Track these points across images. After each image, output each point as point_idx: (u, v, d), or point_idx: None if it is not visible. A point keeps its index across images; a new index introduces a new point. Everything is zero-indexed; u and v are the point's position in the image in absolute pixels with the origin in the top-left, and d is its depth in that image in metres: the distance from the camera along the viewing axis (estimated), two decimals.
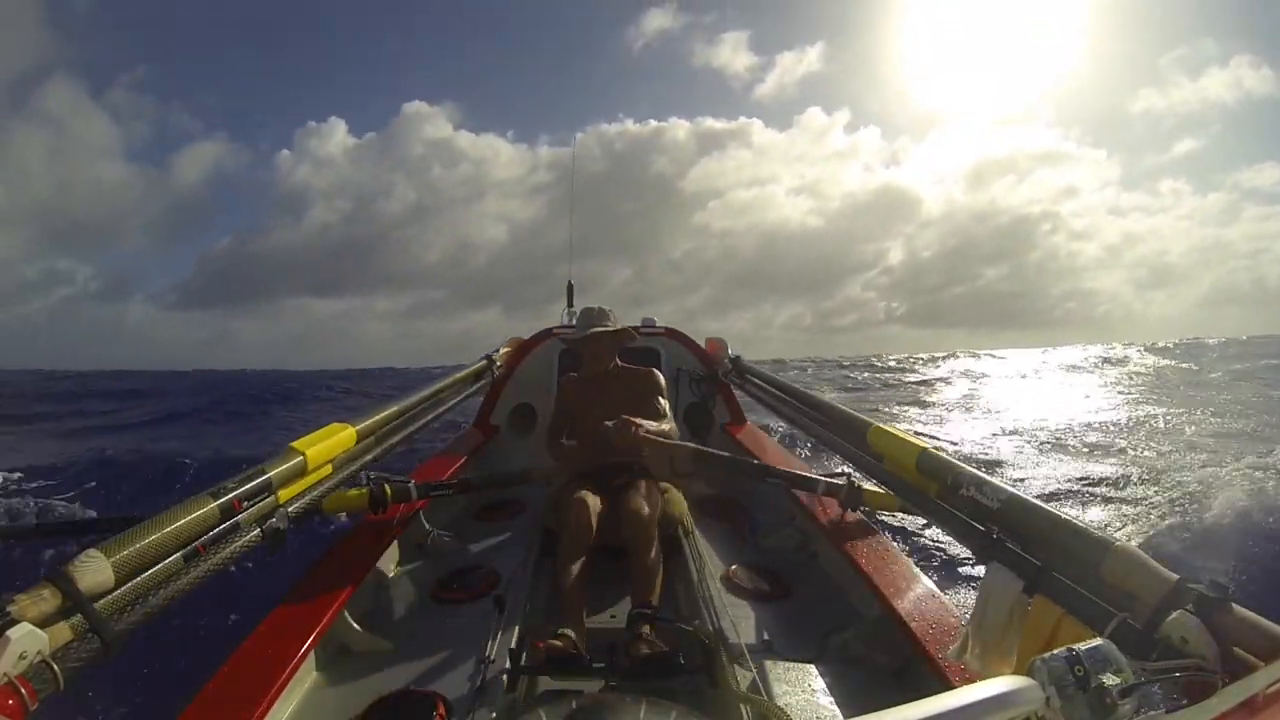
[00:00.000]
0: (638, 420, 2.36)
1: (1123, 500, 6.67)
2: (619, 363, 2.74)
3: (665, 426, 2.52)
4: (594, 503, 2.27)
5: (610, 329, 2.65)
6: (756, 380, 3.55)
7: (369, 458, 2.34)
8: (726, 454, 2.97)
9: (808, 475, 2.47)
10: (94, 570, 1.11)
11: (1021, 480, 7.71)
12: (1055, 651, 0.66)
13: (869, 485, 2.32)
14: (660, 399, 2.67)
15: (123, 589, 1.17)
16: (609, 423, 2.35)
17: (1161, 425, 11.81)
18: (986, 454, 9.75)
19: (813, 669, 1.69)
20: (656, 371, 2.73)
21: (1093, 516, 6.24)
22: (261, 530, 1.61)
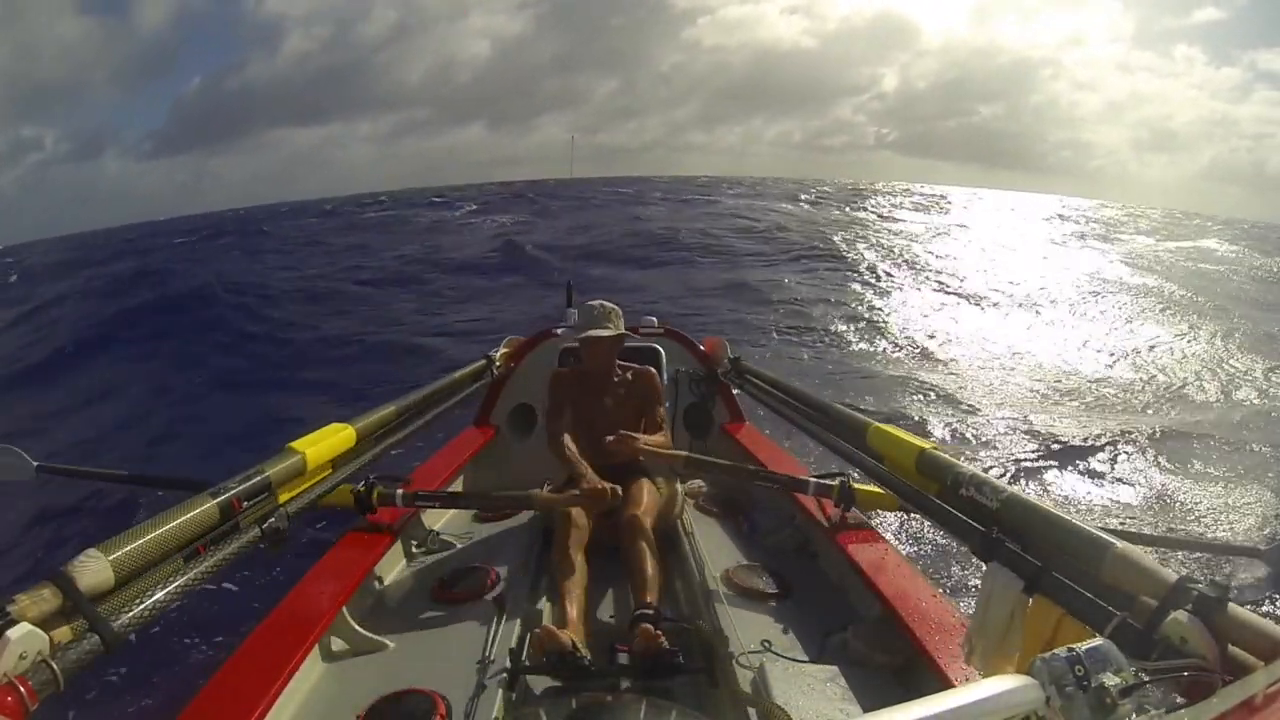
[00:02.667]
0: (634, 435, 2.40)
1: None
2: (618, 362, 2.73)
3: (659, 438, 2.55)
4: (605, 444, 2.28)
5: (610, 333, 2.59)
6: (756, 380, 3.55)
7: (368, 457, 2.34)
8: (719, 461, 2.99)
9: (799, 477, 2.47)
10: (94, 570, 1.11)
11: None
12: (1055, 651, 0.66)
13: (863, 485, 2.33)
14: (658, 406, 2.67)
15: (123, 589, 1.17)
16: (609, 438, 2.38)
17: None
18: None
19: (813, 669, 1.70)
20: (655, 374, 2.73)
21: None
22: (261, 530, 1.61)
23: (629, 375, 2.71)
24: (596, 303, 2.66)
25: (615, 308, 2.67)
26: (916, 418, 7.24)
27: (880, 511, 2.51)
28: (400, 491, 2.31)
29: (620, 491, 2.27)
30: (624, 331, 2.67)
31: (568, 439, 2.53)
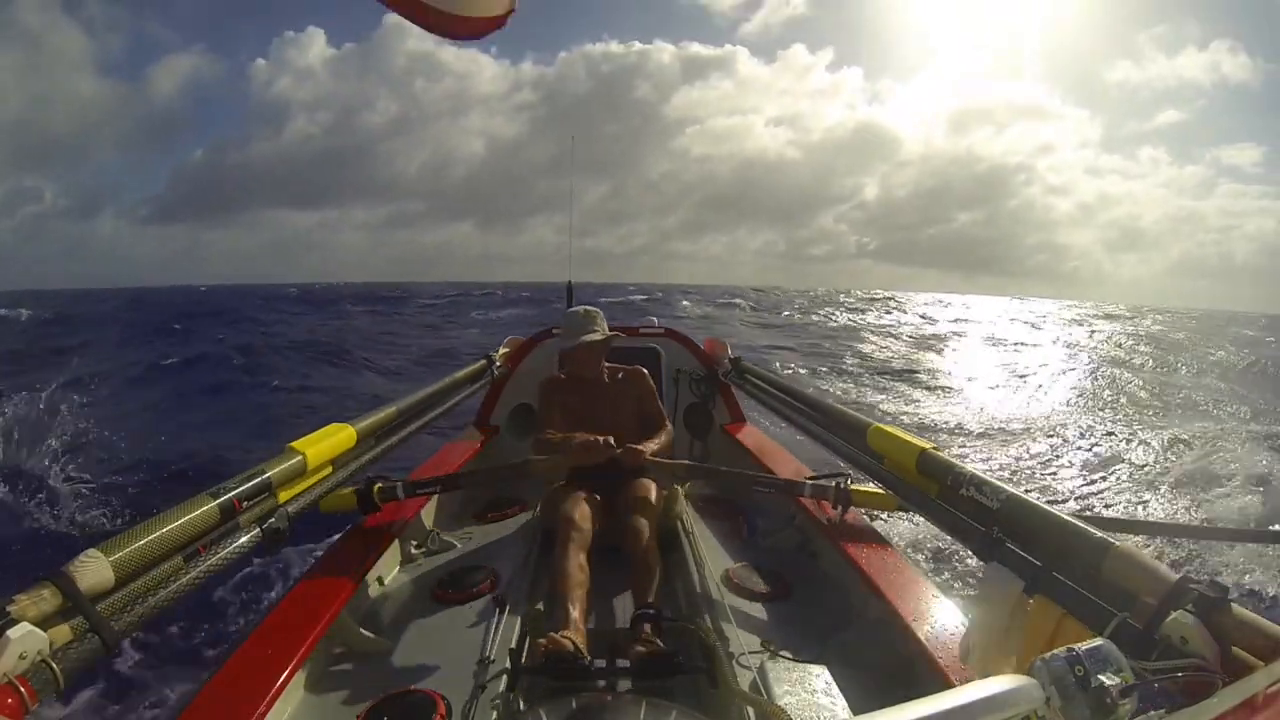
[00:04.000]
0: (640, 447, 2.41)
1: None
2: (606, 364, 2.74)
3: (664, 439, 2.57)
4: (594, 502, 2.27)
5: (599, 337, 2.63)
6: (756, 380, 3.55)
7: (369, 458, 2.34)
8: (721, 469, 3.00)
9: (802, 480, 2.47)
10: (94, 570, 1.12)
11: None
12: (1055, 651, 0.66)
13: (861, 486, 2.33)
14: (655, 401, 2.69)
15: (123, 589, 1.17)
16: (619, 450, 2.38)
17: None
18: None
19: (813, 669, 1.69)
20: (644, 371, 2.74)
21: None
22: (261, 530, 1.61)
23: (620, 376, 2.73)
24: (580, 309, 2.71)
25: (598, 311, 2.72)
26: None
27: (880, 511, 2.51)
28: (401, 483, 2.32)
29: (614, 441, 2.33)
30: (612, 333, 2.71)
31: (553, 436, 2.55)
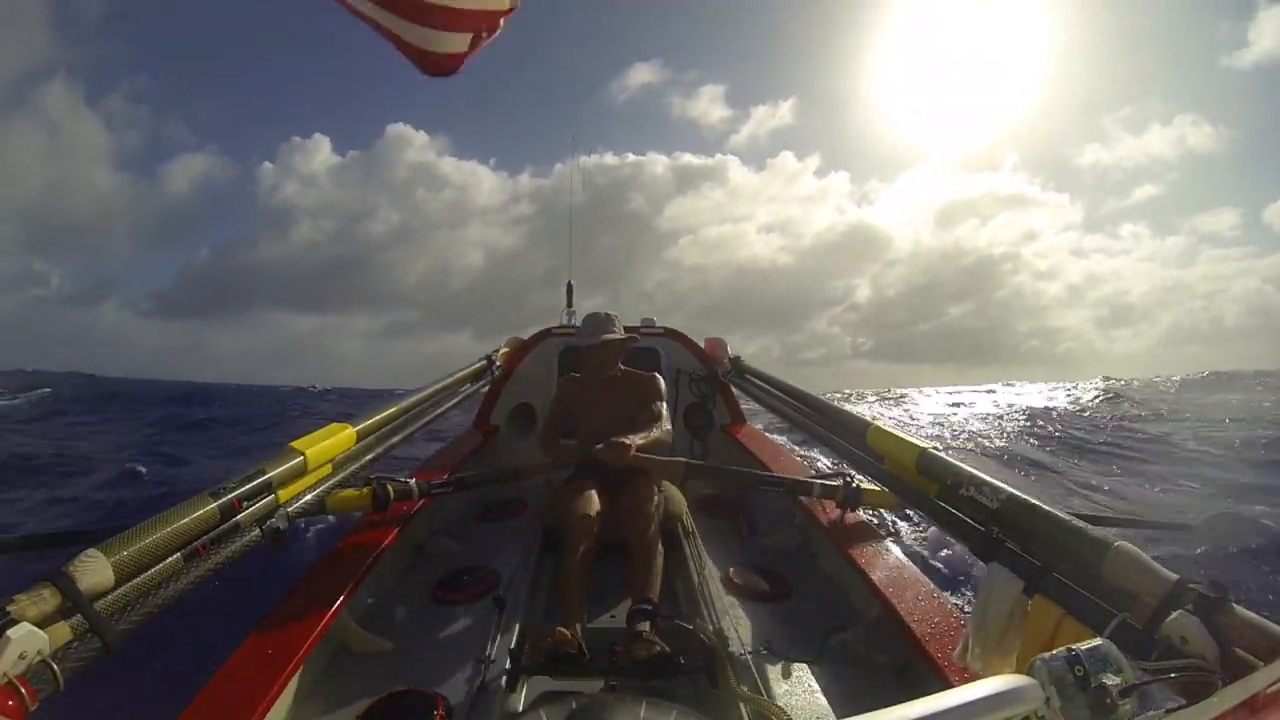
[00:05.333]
0: (626, 440, 2.34)
1: None
2: (621, 366, 2.75)
3: (657, 433, 2.52)
4: (594, 502, 2.26)
5: (618, 337, 2.65)
6: (756, 380, 3.55)
7: (369, 458, 2.34)
8: (718, 466, 2.99)
9: (802, 479, 2.47)
10: (94, 570, 1.11)
11: None
12: (1055, 651, 0.66)
13: (867, 486, 2.32)
14: (659, 404, 2.67)
15: (123, 589, 1.17)
16: (599, 446, 2.33)
17: None
18: None
19: (813, 669, 1.69)
20: (658, 377, 2.73)
21: None
22: (261, 530, 1.61)
23: (633, 380, 2.73)
24: (600, 312, 2.72)
25: (615, 314, 2.73)
26: None
27: (880, 511, 2.51)
28: (414, 483, 2.33)
29: (618, 441, 2.32)
30: (630, 335, 2.72)
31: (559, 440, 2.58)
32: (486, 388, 3.82)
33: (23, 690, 0.92)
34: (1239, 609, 0.88)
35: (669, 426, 2.63)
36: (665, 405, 2.69)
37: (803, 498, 2.49)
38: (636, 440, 2.38)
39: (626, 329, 2.76)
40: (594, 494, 2.31)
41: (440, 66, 2.40)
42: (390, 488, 2.26)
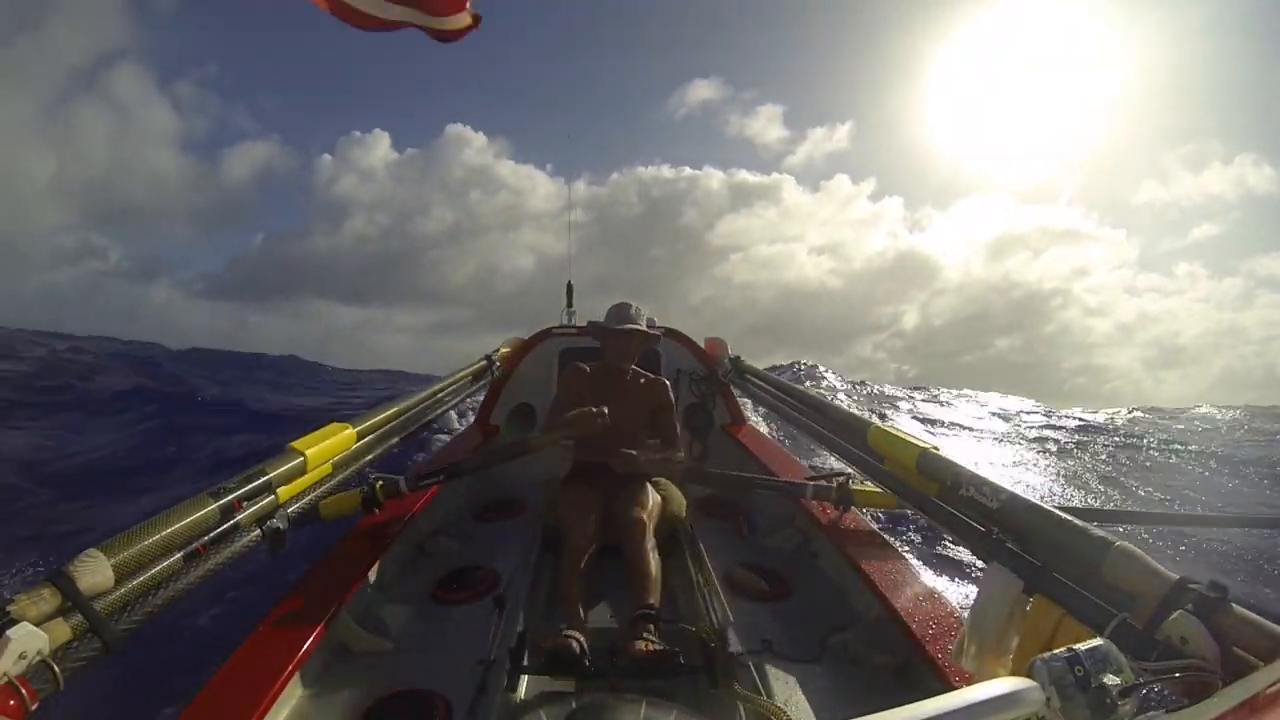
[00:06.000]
0: (634, 454, 2.42)
1: None
2: (633, 367, 2.71)
3: (669, 455, 2.55)
4: (594, 503, 2.26)
5: (643, 330, 2.61)
6: (756, 380, 3.55)
7: (369, 458, 2.34)
8: (720, 472, 3.00)
9: (796, 481, 2.47)
10: (94, 570, 1.11)
11: None
12: (1055, 652, 0.66)
13: (861, 486, 2.32)
14: (671, 418, 2.67)
15: (123, 589, 1.17)
16: (607, 416, 2.36)
17: None
18: None
19: (813, 669, 1.69)
20: (668, 384, 2.71)
21: None
22: (261, 530, 1.61)
23: (642, 380, 2.70)
24: (630, 304, 2.67)
25: (645, 309, 2.68)
26: None
27: (880, 511, 2.51)
28: (403, 478, 2.32)
29: (607, 412, 2.32)
30: (654, 331, 2.69)
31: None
32: (487, 388, 3.82)
33: (23, 690, 0.92)
34: (1239, 609, 0.88)
35: (682, 455, 2.64)
36: (676, 422, 2.69)
37: (803, 499, 2.49)
38: (643, 454, 2.45)
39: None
40: (594, 495, 2.31)
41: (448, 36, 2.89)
42: (392, 482, 2.27)
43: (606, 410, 2.33)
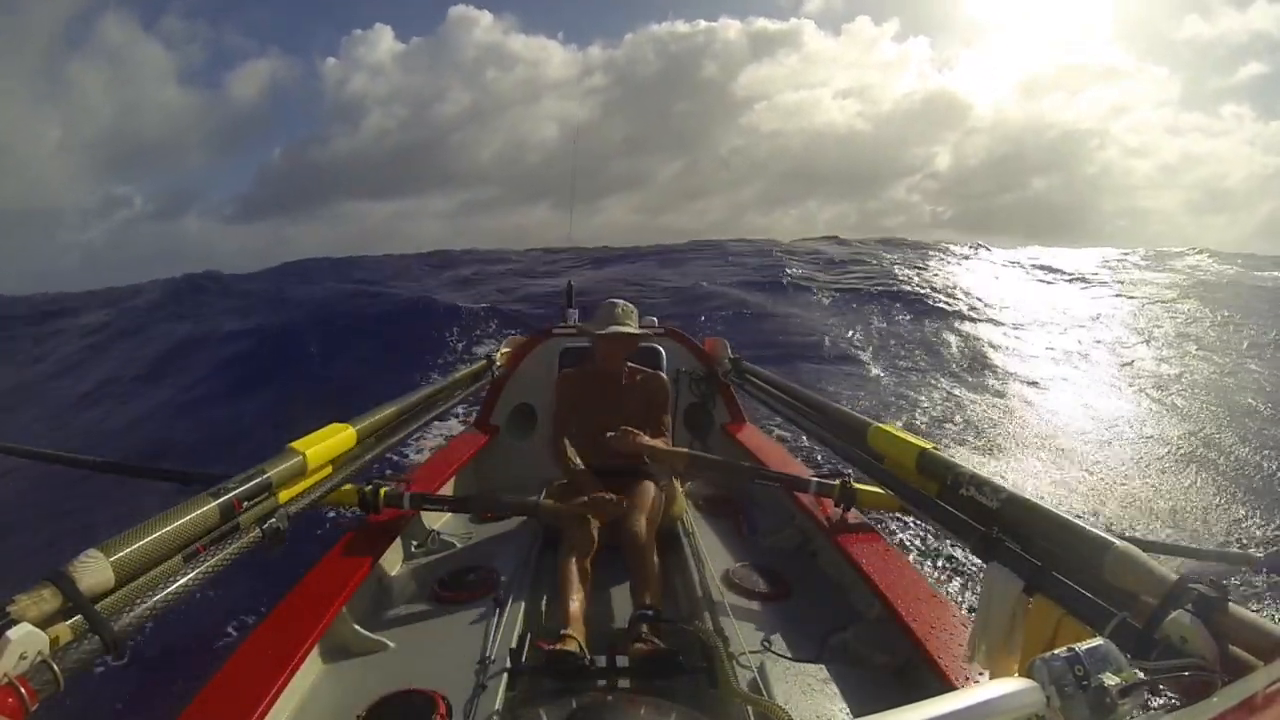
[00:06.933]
0: (636, 431, 2.40)
1: None
2: (629, 365, 2.70)
3: (659, 442, 2.53)
4: (608, 439, 2.26)
5: (631, 331, 2.57)
6: (756, 380, 3.55)
7: (369, 458, 2.34)
8: (718, 458, 2.99)
9: (799, 476, 2.47)
10: (94, 570, 1.11)
11: None
12: (1055, 651, 0.66)
13: (864, 485, 2.32)
14: (663, 413, 2.65)
15: (123, 589, 1.17)
16: (611, 433, 2.38)
17: None
18: None
19: (813, 669, 1.69)
20: (665, 380, 2.70)
21: None
22: (261, 530, 1.61)
23: (638, 378, 2.69)
24: (620, 301, 2.63)
25: (634, 308, 2.65)
26: None
27: (880, 511, 2.51)
28: (407, 494, 2.32)
29: (624, 503, 2.27)
30: (643, 331, 2.67)
31: (569, 448, 2.48)
32: (487, 388, 3.82)
33: (23, 690, 0.92)
34: (1239, 609, 0.88)
35: (670, 442, 2.63)
36: (669, 417, 2.68)
37: (802, 496, 2.50)
38: (648, 440, 2.43)
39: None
40: (590, 496, 2.31)
41: None
42: (396, 494, 2.26)
43: (624, 499, 2.27)
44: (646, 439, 2.42)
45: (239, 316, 16.32)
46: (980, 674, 1.36)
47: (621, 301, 2.64)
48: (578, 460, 2.44)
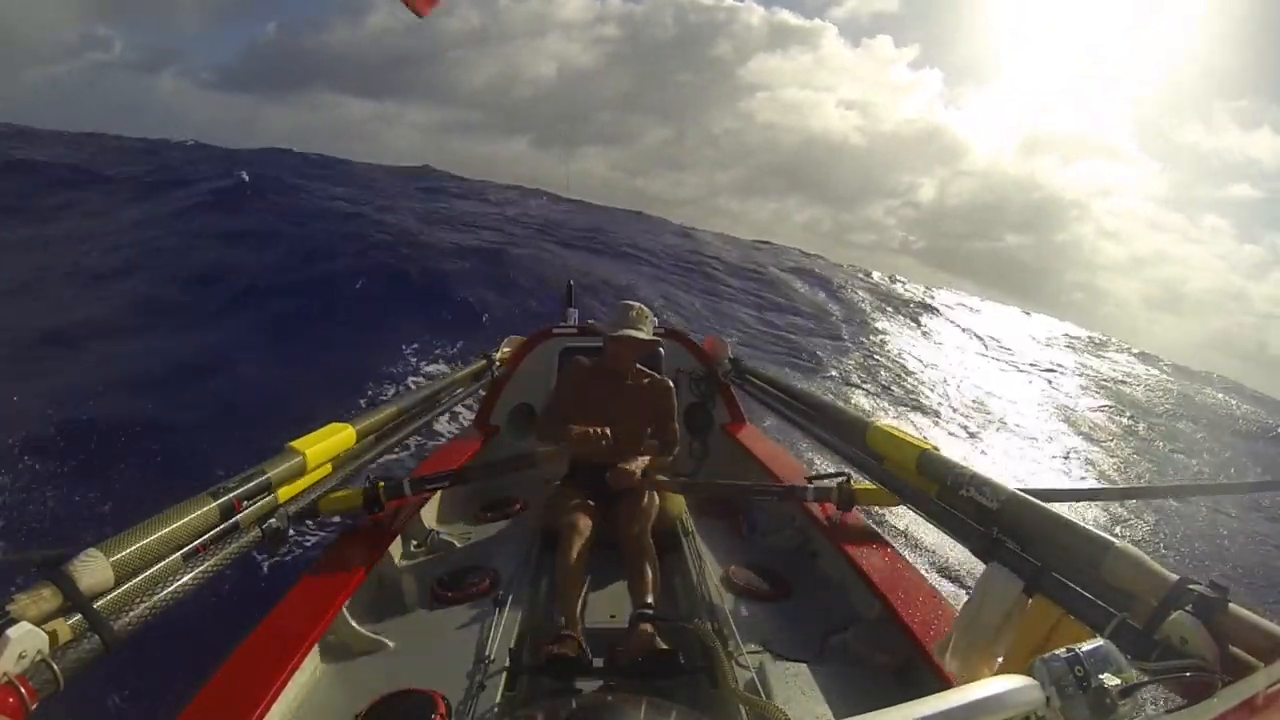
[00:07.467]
0: (629, 468, 2.36)
1: None
2: (637, 366, 2.69)
3: (664, 457, 2.53)
4: (590, 505, 2.26)
5: (641, 335, 2.53)
6: (756, 380, 3.55)
7: (368, 457, 2.34)
8: (714, 482, 2.99)
9: (796, 485, 2.46)
10: (94, 570, 1.11)
11: None
12: (1056, 651, 0.66)
13: (867, 485, 2.32)
14: (671, 422, 2.63)
15: (123, 588, 1.17)
16: (608, 473, 2.35)
17: None
18: None
19: (813, 669, 1.69)
20: (672, 388, 2.69)
21: None
22: (261, 530, 1.61)
23: (645, 381, 2.68)
24: (635, 304, 2.62)
25: (649, 313, 2.63)
26: None
27: (880, 511, 2.51)
28: (407, 480, 2.32)
29: (610, 434, 2.31)
30: (654, 338, 2.64)
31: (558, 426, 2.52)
32: (487, 388, 3.82)
33: (22, 689, 0.92)
34: (1239, 609, 0.88)
35: (678, 450, 2.62)
36: (676, 425, 2.66)
37: (805, 501, 2.49)
38: (641, 462, 2.41)
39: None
40: (591, 495, 2.31)
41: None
42: (395, 484, 2.27)
43: (609, 432, 2.32)
44: (640, 464, 2.41)
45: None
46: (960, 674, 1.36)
47: (637, 304, 2.62)
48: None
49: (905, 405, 11.67)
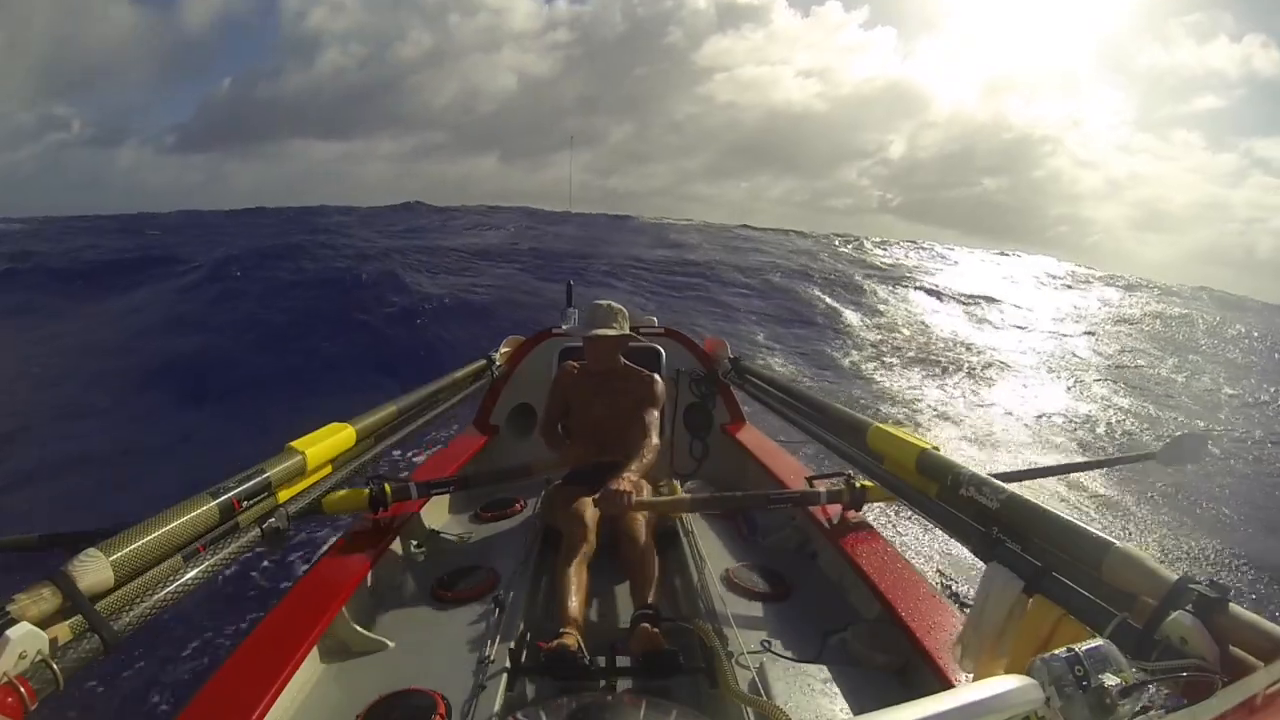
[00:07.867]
0: (623, 487, 2.10)
1: None
2: (625, 362, 2.70)
3: (649, 458, 2.36)
4: (589, 505, 2.26)
5: (613, 333, 2.56)
6: (756, 380, 3.55)
7: (368, 457, 2.34)
8: (720, 494, 2.96)
9: (809, 490, 2.44)
10: (94, 570, 1.11)
11: None
12: (1055, 651, 0.66)
13: (867, 486, 2.32)
14: (654, 413, 2.57)
15: (123, 589, 1.17)
16: (596, 496, 2.14)
17: None
18: None
19: (813, 669, 1.69)
20: (659, 381, 2.68)
21: None
22: (261, 530, 1.61)
23: (630, 377, 2.69)
24: (604, 303, 2.63)
25: (621, 308, 2.64)
26: None
27: (880, 511, 2.51)
28: (413, 483, 2.32)
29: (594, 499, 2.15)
30: (628, 332, 2.64)
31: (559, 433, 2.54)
32: (487, 388, 3.82)
33: (22, 690, 0.92)
34: (1239, 609, 0.88)
35: (656, 440, 2.47)
36: (659, 414, 2.60)
37: (816, 506, 2.49)
38: (633, 478, 2.20)
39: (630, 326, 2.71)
40: (588, 497, 2.31)
41: None
42: (388, 487, 2.26)
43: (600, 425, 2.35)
44: (632, 490, 2.12)
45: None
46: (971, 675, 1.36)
47: (606, 302, 2.63)
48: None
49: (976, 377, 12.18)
